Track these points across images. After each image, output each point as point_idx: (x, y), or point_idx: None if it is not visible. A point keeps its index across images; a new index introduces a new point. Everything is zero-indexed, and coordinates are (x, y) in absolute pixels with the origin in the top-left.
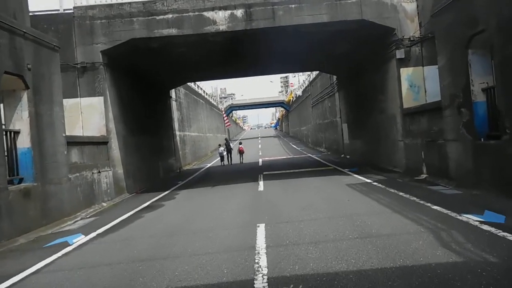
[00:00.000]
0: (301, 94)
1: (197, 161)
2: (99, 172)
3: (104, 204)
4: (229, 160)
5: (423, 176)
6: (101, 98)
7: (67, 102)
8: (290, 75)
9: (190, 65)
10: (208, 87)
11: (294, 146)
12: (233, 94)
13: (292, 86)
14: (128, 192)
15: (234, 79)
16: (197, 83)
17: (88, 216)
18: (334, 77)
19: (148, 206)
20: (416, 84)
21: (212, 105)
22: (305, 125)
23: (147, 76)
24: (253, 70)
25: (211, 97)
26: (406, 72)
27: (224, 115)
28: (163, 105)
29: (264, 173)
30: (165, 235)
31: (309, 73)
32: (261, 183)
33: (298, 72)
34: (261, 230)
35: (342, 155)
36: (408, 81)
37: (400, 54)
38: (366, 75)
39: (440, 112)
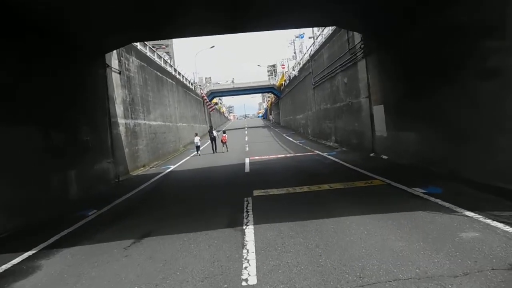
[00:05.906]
0: (297, 74)
1: (159, 160)
2: None
3: None
4: (213, 148)
5: None
6: None
7: None
8: (278, 63)
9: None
10: (190, 73)
11: (290, 139)
12: (218, 83)
13: (283, 68)
14: None
15: (219, 69)
16: (166, 57)
17: None
18: (358, 37)
19: None
20: None
21: (188, 88)
22: (302, 112)
23: (39, 14)
24: (234, 23)
25: (191, 84)
26: None
27: (206, 99)
28: (86, 75)
29: (255, 193)
30: None
31: (309, 45)
32: (248, 238)
33: (299, 27)
34: None
35: (372, 154)
36: None
37: None
38: (436, 10)
39: None
